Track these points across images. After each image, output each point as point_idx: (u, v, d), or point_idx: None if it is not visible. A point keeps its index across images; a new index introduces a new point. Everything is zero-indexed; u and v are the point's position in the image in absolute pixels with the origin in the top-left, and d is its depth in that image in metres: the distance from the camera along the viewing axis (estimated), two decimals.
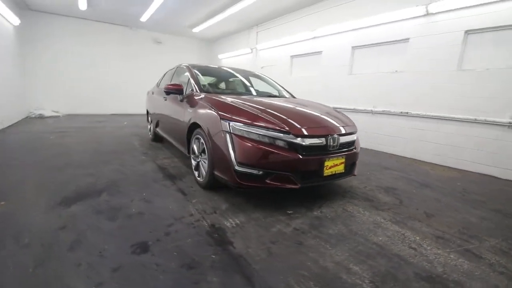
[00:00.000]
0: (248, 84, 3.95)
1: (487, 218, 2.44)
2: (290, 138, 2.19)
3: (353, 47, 5.74)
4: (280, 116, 2.37)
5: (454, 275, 1.59)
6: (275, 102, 2.96)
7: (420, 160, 4.63)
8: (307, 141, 2.23)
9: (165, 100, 3.88)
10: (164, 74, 4.97)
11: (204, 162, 2.68)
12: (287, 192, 2.70)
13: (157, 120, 4.54)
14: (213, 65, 4.04)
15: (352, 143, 2.61)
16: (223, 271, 1.52)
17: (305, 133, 2.24)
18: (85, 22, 8.87)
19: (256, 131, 2.20)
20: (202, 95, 2.98)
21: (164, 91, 3.37)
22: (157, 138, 5.01)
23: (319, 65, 6.58)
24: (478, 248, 1.91)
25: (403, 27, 4.81)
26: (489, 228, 2.25)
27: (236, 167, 2.20)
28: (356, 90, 5.72)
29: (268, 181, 2.19)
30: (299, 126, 2.27)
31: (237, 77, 4.01)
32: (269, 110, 2.47)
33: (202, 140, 2.66)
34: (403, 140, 4.95)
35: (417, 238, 2.01)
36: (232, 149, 2.21)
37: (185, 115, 3.11)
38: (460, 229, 2.19)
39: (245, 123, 2.23)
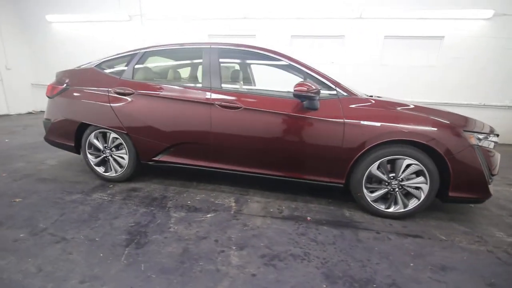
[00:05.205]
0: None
1: None
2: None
3: (292, 36, 5.93)
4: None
5: None
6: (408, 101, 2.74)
7: None
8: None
9: (229, 110, 2.26)
10: (133, 55, 2.64)
11: (412, 187, 2.12)
12: None
13: (170, 144, 2.46)
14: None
15: None
16: None
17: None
18: None
19: (487, 138, 2.12)
20: (371, 100, 2.19)
21: (298, 96, 2.03)
22: (134, 174, 2.73)
23: None
24: None
25: (340, 25, 5.68)
26: None
27: (490, 180, 2.06)
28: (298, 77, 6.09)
29: None
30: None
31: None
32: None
33: (408, 162, 2.05)
34: None
35: None
36: (483, 163, 2.02)
37: (343, 131, 2.11)
38: None
39: (480, 132, 2.08)
